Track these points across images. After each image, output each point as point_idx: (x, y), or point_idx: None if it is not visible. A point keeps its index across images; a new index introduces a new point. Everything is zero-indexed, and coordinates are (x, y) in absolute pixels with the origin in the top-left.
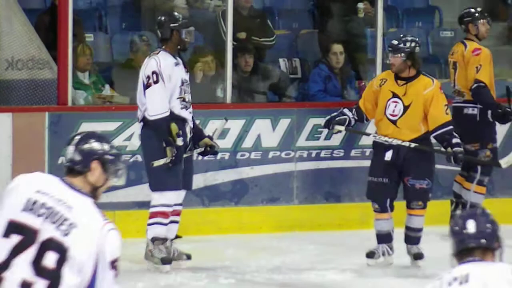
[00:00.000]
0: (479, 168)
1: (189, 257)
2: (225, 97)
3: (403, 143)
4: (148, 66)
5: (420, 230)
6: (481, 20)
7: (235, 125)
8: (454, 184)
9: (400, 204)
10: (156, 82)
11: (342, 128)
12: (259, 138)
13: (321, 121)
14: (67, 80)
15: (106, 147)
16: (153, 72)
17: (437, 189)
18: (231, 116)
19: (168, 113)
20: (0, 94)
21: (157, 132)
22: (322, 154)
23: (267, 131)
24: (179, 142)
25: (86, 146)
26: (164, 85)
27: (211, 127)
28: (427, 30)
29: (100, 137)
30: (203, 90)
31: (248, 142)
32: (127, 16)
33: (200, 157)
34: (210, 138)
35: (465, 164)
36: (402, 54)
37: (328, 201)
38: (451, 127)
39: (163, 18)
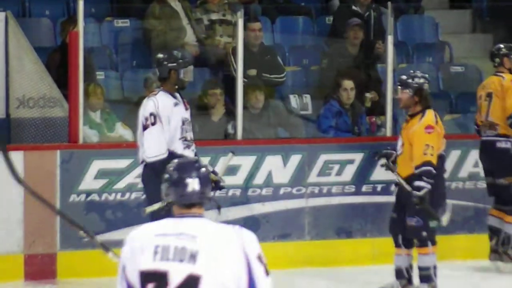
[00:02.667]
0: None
1: None
2: (235, 133)
3: (397, 179)
4: (147, 107)
5: (425, 268)
6: None
7: (246, 162)
8: (489, 218)
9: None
10: (153, 123)
11: (384, 161)
12: (270, 174)
13: (333, 156)
14: (78, 117)
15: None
16: (151, 114)
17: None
18: (241, 152)
19: (165, 155)
20: (12, 133)
21: (155, 174)
22: (334, 190)
23: (278, 167)
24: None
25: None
26: (162, 127)
27: (224, 158)
28: (438, 65)
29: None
30: (214, 127)
31: (259, 179)
32: (137, 54)
33: (215, 193)
34: (215, 173)
35: (499, 197)
36: (410, 90)
37: (339, 237)
38: (423, 168)
39: (161, 56)
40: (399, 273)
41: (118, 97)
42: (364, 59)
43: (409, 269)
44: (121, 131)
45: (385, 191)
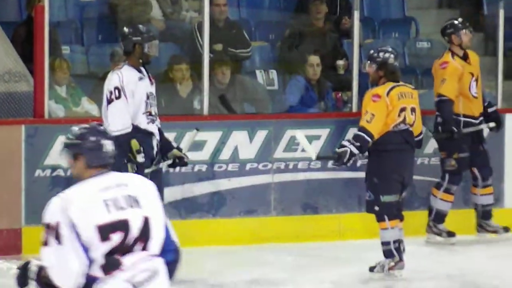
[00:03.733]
0: (447, 176)
1: None
2: (202, 109)
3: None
4: (111, 81)
5: (385, 243)
6: (464, 30)
7: (212, 137)
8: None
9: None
10: (118, 97)
11: None
12: (236, 150)
13: (299, 132)
14: (43, 92)
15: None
16: (115, 88)
17: (414, 200)
18: (207, 128)
19: (129, 129)
20: None
21: (119, 148)
22: (300, 165)
23: (244, 143)
24: (140, 159)
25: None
26: (126, 101)
27: (188, 134)
28: (404, 40)
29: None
30: (181, 103)
31: (225, 154)
32: (103, 28)
33: (171, 169)
34: (179, 149)
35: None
36: (375, 64)
37: (305, 213)
38: (357, 133)
39: (126, 30)
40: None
41: (84, 72)
42: (330, 34)
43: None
44: (87, 106)
45: (352, 167)
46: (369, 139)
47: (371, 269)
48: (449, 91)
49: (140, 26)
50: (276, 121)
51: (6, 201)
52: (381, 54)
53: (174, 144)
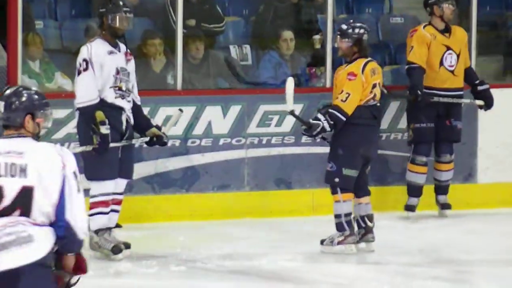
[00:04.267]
0: (413, 146)
1: (128, 246)
2: (175, 84)
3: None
4: (80, 53)
5: (336, 216)
6: (446, 2)
7: (186, 112)
8: None
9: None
10: (85, 69)
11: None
12: (209, 125)
13: (272, 107)
14: (16, 67)
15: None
16: (84, 60)
17: (387, 175)
18: (181, 103)
19: (95, 101)
20: None
21: (85, 119)
22: (273, 140)
23: (217, 118)
24: (103, 130)
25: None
26: (93, 73)
27: (161, 115)
28: (377, 16)
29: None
30: (155, 78)
31: (198, 129)
32: (77, 3)
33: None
34: (158, 128)
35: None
36: (349, 40)
37: (279, 188)
38: (331, 111)
39: (102, 7)
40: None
41: (57, 47)
42: (304, 9)
43: (363, 217)
44: (60, 81)
45: (325, 143)
46: (343, 118)
47: (322, 242)
48: (417, 57)
49: (115, 0)
50: (249, 96)
51: None
52: (356, 30)
53: (153, 122)
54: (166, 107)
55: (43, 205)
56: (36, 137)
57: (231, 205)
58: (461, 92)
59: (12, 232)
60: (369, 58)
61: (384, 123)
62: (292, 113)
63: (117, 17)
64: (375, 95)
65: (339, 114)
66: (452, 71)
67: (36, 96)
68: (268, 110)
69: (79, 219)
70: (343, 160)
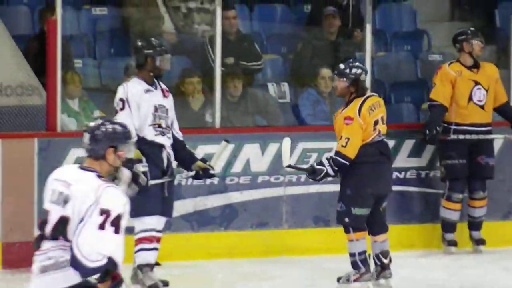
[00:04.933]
0: (447, 184)
1: (166, 284)
2: (214, 122)
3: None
4: (117, 93)
5: (350, 255)
6: (475, 39)
7: (224, 150)
8: None
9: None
10: (122, 109)
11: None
12: (248, 163)
13: (310, 145)
14: (56, 106)
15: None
16: (120, 99)
17: (426, 212)
18: (219, 141)
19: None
20: None
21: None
22: None
23: (256, 156)
24: (140, 168)
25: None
26: (130, 112)
27: (200, 153)
28: (416, 53)
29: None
30: (193, 116)
31: (237, 167)
32: (115, 42)
33: (194, 181)
34: (203, 160)
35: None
36: (346, 80)
37: (317, 225)
38: (335, 157)
39: (139, 44)
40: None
41: (96, 85)
42: (343, 47)
43: (378, 255)
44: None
45: None
46: (346, 162)
47: (338, 279)
48: (438, 95)
49: (153, 39)
50: (288, 134)
51: (19, 214)
52: (353, 70)
53: (198, 156)
54: (205, 145)
55: (75, 235)
56: (115, 169)
57: (269, 242)
58: (489, 128)
59: (52, 257)
60: (368, 94)
61: (423, 161)
62: (290, 167)
63: (165, 58)
64: (379, 131)
65: (341, 160)
66: (481, 106)
67: (119, 130)
68: (307, 148)
69: (84, 248)
70: (351, 200)
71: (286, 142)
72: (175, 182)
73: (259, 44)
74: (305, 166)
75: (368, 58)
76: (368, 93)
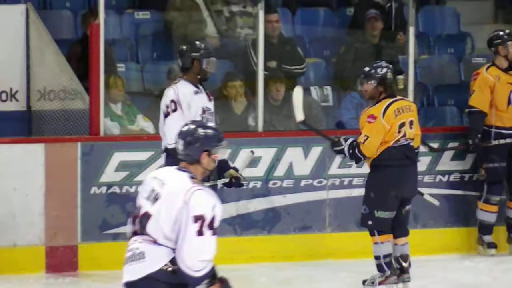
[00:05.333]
0: (485, 186)
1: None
2: (256, 125)
3: None
4: (167, 95)
5: (375, 257)
6: (510, 41)
7: (267, 154)
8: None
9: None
10: (174, 110)
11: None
12: (291, 167)
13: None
14: (99, 110)
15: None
16: (172, 101)
17: (469, 215)
18: (262, 144)
19: None
20: (33, 125)
21: (177, 160)
22: (354, 181)
23: (299, 159)
24: None
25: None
26: (182, 113)
27: (243, 157)
28: (459, 56)
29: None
30: (236, 120)
31: (280, 171)
32: (158, 46)
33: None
34: (236, 169)
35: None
36: (373, 81)
37: (360, 229)
38: (355, 146)
39: (184, 47)
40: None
41: (139, 89)
42: (385, 49)
43: (397, 258)
44: (142, 123)
45: None
46: (362, 157)
47: (363, 282)
48: (478, 102)
49: (198, 42)
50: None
51: (62, 218)
52: (379, 70)
53: (231, 164)
54: (248, 149)
55: (159, 232)
56: (208, 171)
57: (312, 246)
58: None
59: (131, 249)
60: (397, 97)
61: (467, 164)
62: (303, 123)
63: (211, 61)
64: (405, 134)
65: (359, 154)
66: None
67: (211, 133)
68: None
69: (188, 260)
70: (375, 203)
71: (298, 91)
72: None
73: (302, 47)
74: (332, 137)
75: (411, 61)
76: (399, 97)
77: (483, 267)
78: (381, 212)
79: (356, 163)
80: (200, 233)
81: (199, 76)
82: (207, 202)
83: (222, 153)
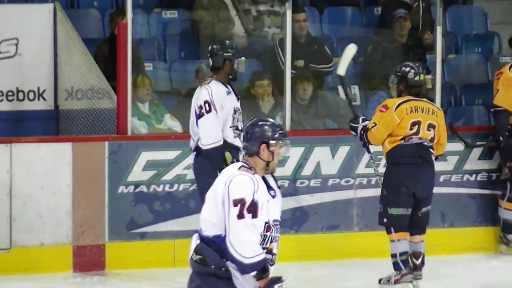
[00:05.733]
0: (508, 185)
1: None
2: (284, 124)
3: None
4: (200, 95)
5: (391, 255)
6: None
7: (295, 153)
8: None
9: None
10: (208, 111)
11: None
12: (318, 166)
13: (380, 148)
14: (126, 109)
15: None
16: (205, 102)
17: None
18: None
19: (221, 142)
20: (60, 124)
21: (211, 161)
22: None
23: (326, 159)
24: None
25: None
26: (216, 114)
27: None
28: (487, 55)
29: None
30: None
31: (307, 170)
32: (186, 45)
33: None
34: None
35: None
36: (395, 79)
37: None
38: (364, 129)
39: (215, 46)
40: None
41: (167, 89)
42: (413, 49)
43: (410, 255)
44: (170, 123)
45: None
46: (367, 142)
47: (379, 280)
48: (503, 101)
49: (229, 42)
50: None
51: (89, 217)
52: (402, 69)
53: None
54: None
55: (210, 217)
56: (267, 165)
57: (340, 245)
58: None
59: (193, 239)
60: (422, 99)
61: (494, 163)
62: (340, 78)
63: (242, 61)
64: (418, 132)
65: (365, 137)
66: None
67: (270, 127)
68: (377, 151)
69: (239, 247)
70: (387, 200)
71: (352, 48)
72: None
73: (329, 47)
74: (354, 103)
75: (438, 61)
76: (426, 100)
77: (510, 267)
78: (394, 208)
79: (363, 146)
80: (240, 216)
81: (230, 76)
82: (245, 186)
83: (285, 150)
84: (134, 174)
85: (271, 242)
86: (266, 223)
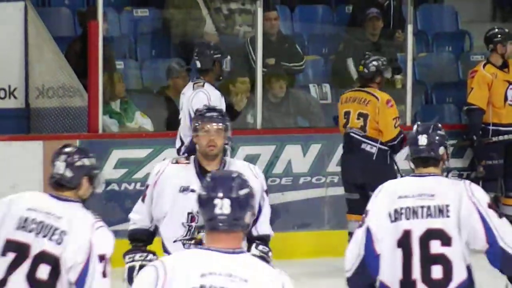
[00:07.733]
0: (480, 183)
1: None
2: (255, 123)
3: None
4: (198, 99)
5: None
6: (509, 40)
7: (266, 151)
8: None
9: None
10: None
11: None
12: (289, 164)
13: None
14: (97, 107)
15: (92, 161)
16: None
17: None
18: (261, 142)
19: None
20: (31, 122)
21: None
22: None
23: (297, 157)
24: None
25: (77, 162)
26: None
27: (241, 154)
28: (457, 54)
29: (85, 151)
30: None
31: (278, 168)
32: (157, 43)
33: None
34: None
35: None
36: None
37: (359, 226)
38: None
39: (204, 48)
40: None
41: (138, 87)
42: (384, 48)
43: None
44: (141, 121)
45: None
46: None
47: None
48: (477, 99)
49: (213, 43)
50: (329, 135)
51: None
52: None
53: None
54: (246, 146)
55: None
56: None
57: (312, 243)
58: None
59: None
60: (360, 88)
61: (465, 162)
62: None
63: (228, 61)
64: (347, 122)
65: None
66: None
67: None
68: None
69: None
70: None
71: None
72: None
73: (300, 45)
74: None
75: (409, 59)
76: (365, 89)
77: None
78: (346, 193)
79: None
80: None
81: (220, 77)
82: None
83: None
84: (105, 172)
85: (199, 232)
86: (189, 213)
